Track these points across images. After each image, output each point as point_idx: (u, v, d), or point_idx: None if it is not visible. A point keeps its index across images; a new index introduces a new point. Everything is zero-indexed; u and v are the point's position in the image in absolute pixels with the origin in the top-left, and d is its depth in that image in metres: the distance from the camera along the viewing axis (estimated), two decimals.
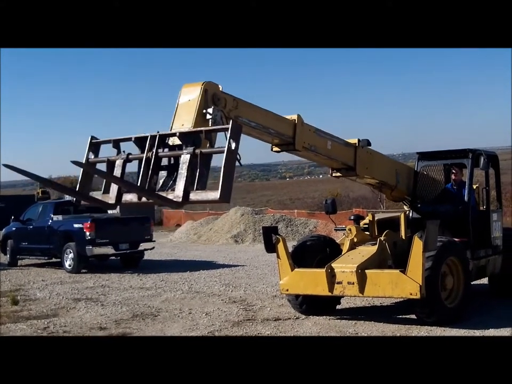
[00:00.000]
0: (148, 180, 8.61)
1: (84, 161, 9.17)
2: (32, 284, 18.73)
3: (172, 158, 8.78)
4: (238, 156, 8.39)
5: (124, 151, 9.09)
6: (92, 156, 9.35)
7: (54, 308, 14.36)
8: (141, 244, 22.36)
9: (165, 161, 8.84)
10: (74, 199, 9.51)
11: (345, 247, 12.25)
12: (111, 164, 9.12)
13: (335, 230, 15.27)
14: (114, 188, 8.98)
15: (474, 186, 13.83)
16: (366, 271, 11.07)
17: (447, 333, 10.70)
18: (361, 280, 11.02)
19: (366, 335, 10.89)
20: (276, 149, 11.07)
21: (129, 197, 8.87)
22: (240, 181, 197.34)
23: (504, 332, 10.64)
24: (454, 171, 13.50)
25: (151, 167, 8.64)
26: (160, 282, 18.22)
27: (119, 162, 9.00)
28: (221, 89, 9.27)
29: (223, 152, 8.11)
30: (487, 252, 13.13)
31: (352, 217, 13.16)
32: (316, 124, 11.24)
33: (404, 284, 10.57)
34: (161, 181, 8.77)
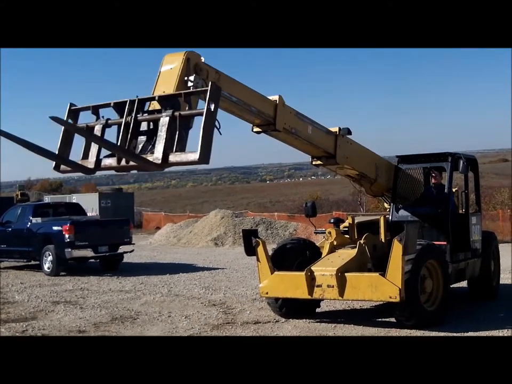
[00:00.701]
0: (127, 144, 8.57)
1: (62, 129, 9.10)
2: (11, 286, 18.57)
3: (151, 124, 8.73)
4: (217, 124, 8.44)
5: (103, 117, 9.04)
6: (70, 123, 9.24)
7: (32, 311, 14.24)
8: (120, 247, 22.20)
9: (144, 127, 8.80)
10: (54, 164, 9.35)
11: (325, 250, 12.25)
12: (90, 130, 9.05)
13: (315, 233, 15.28)
14: (93, 152, 8.91)
15: (454, 190, 13.90)
16: (345, 274, 11.07)
17: (426, 336, 10.72)
18: (341, 284, 11.01)
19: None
20: (256, 129, 11.00)
21: (108, 162, 8.80)
22: (221, 184, 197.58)
23: (482, 334, 10.68)
24: (433, 174, 13.56)
25: (130, 131, 8.59)
26: (140, 285, 18.14)
27: (98, 128, 8.94)
28: (203, 60, 9.26)
29: (202, 114, 8.13)
30: (466, 255, 13.18)
31: (332, 220, 13.19)
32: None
33: (383, 287, 10.58)
34: (140, 146, 8.70)
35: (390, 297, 10.57)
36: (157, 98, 8.60)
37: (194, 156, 8.00)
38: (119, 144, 8.57)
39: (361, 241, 11.92)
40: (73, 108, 9.17)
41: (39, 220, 22.29)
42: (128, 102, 8.67)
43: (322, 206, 51.45)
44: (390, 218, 13.13)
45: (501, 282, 15.22)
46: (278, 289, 11.86)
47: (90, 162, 8.93)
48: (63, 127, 8.97)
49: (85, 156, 9.04)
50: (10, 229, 23.12)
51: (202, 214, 45.90)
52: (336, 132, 12.05)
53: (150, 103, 8.89)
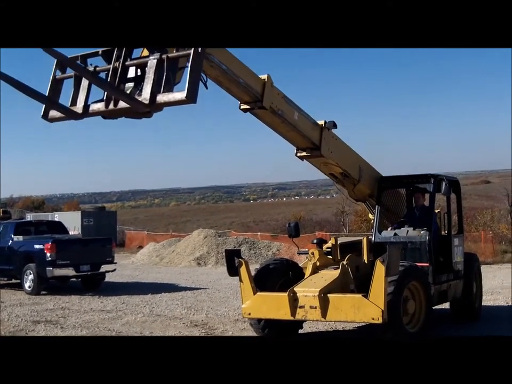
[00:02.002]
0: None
1: (51, 78, 9.21)
2: None
3: (139, 70, 8.83)
4: (204, 78, 8.78)
5: (91, 64, 9.10)
6: (59, 73, 9.32)
7: (12, 330, 14.11)
8: (102, 266, 22.08)
9: (132, 74, 8.91)
10: (42, 111, 9.31)
11: (307, 271, 12.23)
12: (78, 78, 9.11)
13: (298, 253, 15.27)
14: (81, 98, 9.01)
15: (436, 211, 13.94)
16: (328, 295, 11.05)
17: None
18: (324, 305, 10.98)
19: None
20: (244, 106, 10.88)
21: (97, 107, 8.90)
22: (204, 203, 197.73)
23: None
24: (416, 196, 13.59)
25: (118, 76, 8.70)
26: (121, 305, 18.04)
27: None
28: None
29: (189, 55, 8.28)
30: (449, 277, 13.20)
31: (315, 241, 13.14)
32: None
33: (366, 309, 10.56)
34: (128, 92, 8.77)
35: (373, 319, 10.54)
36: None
37: (182, 95, 8.15)
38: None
39: (344, 262, 11.90)
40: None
41: (20, 238, 22.15)
42: (116, 48, 8.77)
43: (306, 226, 51.56)
44: (373, 239, 13.13)
45: (486, 303, 15.26)
46: (261, 310, 11.81)
47: (79, 108, 9.03)
48: (51, 77, 9.17)
49: (73, 103, 9.14)
50: None
51: (185, 233, 45.81)
52: (322, 124, 12.06)
53: (141, 53, 9.05)
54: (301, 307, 11.25)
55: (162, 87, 8.40)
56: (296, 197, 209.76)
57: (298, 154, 12.35)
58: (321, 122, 12.07)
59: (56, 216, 45.81)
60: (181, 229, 67.44)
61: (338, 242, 12.87)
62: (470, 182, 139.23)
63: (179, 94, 8.23)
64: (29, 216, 50.24)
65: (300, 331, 12.87)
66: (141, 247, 45.21)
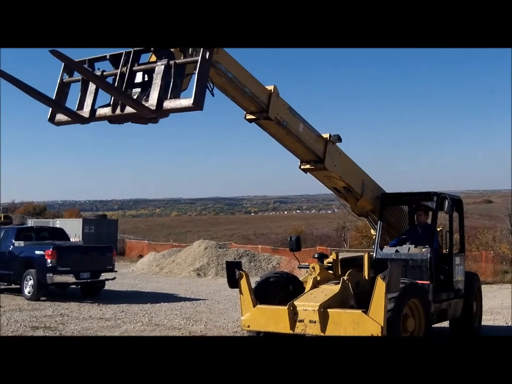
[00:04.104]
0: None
1: (58, 82, 9.27)
2: None
3: (146, 76, 8.88)
4: (210, 85, 8.79)
5: (98, 68, 9.13)
6: (66, 77, 9.37)
7: (11, 335, 14.07)
8: (102, 274, 22.12)
9: (139, 80, 8.98)
10: (49, 115, 9.35)
11: (308, 285, 12.22)
12: (85, 82, 9.15)
13: (298, 267, 15.26)
14: (88, 102, 9.03)
15: (438, 229, 13.93)
16: (328, 310, 11.03)
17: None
18: (323, 319, 10.97)
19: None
20: (249, 116, 10.87)
21: (103, 111, 8.92)
22: (205, 214, 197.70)
23: None
24: (418, 213, 13.59)
25: (125, 81, 8.74)
26: (120, 314, 18.02)
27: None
28: None
29: (196, 62, 8.33)
30: (449, 295, 13.19)
31: (316, 255, 13.15)
32: None
33: (365, 325, 10.55)
34: (135, 97, 8.81)
35: (372, 335, 10.54)
36: (152, 49, 8.80)
37: (189, 101, 8.18)
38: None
39: (345, 278, 11.89)
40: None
41: (21, 243, 22.16)
42: (124, 53, 8.84)
43: (306, 240, 51.49)
44: (374, 255, 13.12)
45: (485, 323, 15.22)
46: (260, 322, 11.78)
47: (85, 112, 9.06)
48: (58, 81, 9.26)
49: (80, 107, 9.17)
50: None
51: (185, 243, 45.82)
52: (327, 137, 12.07)
53: (149, 58, 9.13)
54: (300, 321, 11.23)
55: (169, 93, 8.45)
56: (298, 211, 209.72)
57: (302, 167, 12.35)
58: (326, 135, 12.06)
59: (58, 223, 45.85)
60: (181, 239, 67.42)
61: (339, 257, 12.86)
62: (472, 201, 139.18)
63: (186, 101, 8.26)
64: (30, 222, 50.26)
65: None
66: (141, 256, 45.21)
